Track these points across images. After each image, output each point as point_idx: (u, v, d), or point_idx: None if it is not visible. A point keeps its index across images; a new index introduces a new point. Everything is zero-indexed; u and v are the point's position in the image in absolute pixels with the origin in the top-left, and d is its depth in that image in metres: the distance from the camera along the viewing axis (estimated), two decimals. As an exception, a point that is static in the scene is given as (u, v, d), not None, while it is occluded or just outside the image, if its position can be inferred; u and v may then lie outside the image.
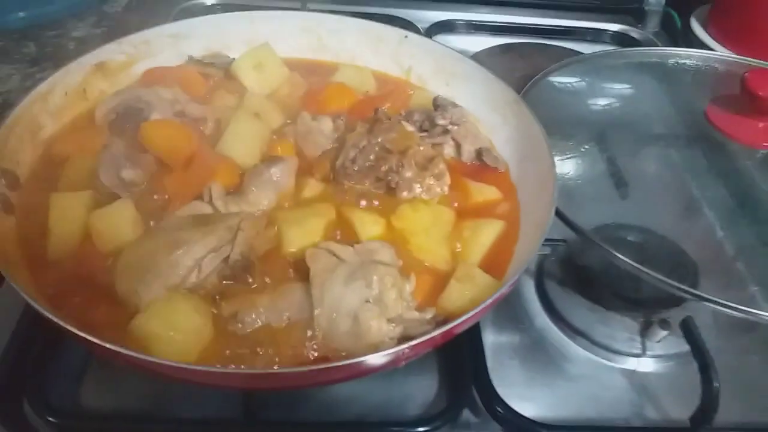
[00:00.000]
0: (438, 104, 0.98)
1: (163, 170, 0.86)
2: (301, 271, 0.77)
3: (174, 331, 0.67)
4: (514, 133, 0.97)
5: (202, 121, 0.94)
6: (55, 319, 0.64)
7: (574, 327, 0.95)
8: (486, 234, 0.83)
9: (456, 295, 0.75)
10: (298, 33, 1.12)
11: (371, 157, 0.87)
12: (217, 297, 0.72)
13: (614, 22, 1.66)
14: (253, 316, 0.71)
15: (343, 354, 0.70)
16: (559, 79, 1.30)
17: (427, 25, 1.56)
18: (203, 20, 1.09)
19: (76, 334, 0.64)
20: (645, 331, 0.93)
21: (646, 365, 0.92)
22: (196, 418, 0.80)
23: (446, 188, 0.88)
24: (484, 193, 0.90)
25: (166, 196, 0.82)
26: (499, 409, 0.80)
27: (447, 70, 1.07)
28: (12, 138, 0.84)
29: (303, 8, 1.45)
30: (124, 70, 1.03)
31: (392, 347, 0.69)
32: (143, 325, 0.67)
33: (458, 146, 0.95)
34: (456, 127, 0.94)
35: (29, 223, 0.80)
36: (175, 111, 0.93)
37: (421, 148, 0.89)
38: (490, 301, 0.67)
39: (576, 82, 1.30)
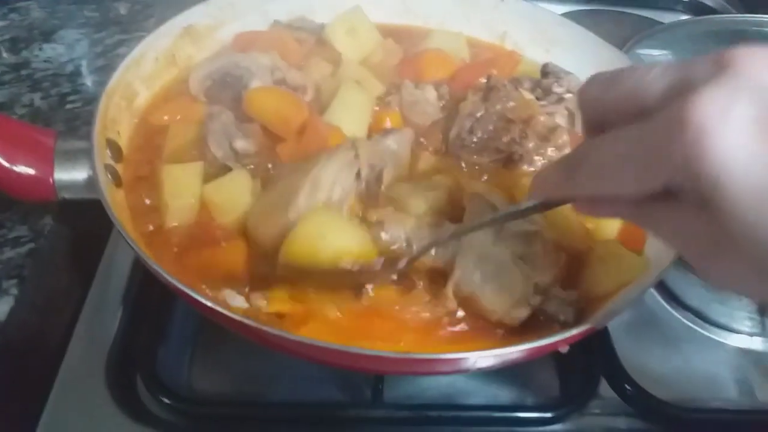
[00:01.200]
0: (548, 71, 0.93)
1: (272, 140, 0.81)
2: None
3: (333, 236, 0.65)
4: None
5: (302, 89, 0.89)
6: (203, 300, 0.59)
7: (687, 305, 0.92)
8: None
9: (601, 276, 0.71)
10: (385, -5, 1.07)
11: (490, 127, 0.82)
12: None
13: (684, -12, 1.59)
14: (400, 231, 0.68)
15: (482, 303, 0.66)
16: (644, 51, 1.25)
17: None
18: (289, -19, 1.03)
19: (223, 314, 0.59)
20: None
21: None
22: (320, 401, 0.77)
23: None
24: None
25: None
26: (629, 387, 0.77)
27: (547, 36, 1.02)
28: (111, 107, 0.79)
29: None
30: (210, 34, 0.97)
31: (527, 312, 0.66)
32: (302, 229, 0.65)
33: (571, 115, 0.90)
34: (571, 95, 0.89)
35: (138, 196, 0.76)
36: (275, 78, 0.87)
37: (542, 118, 0.84)
38: (652, 282, 0.63)
39: (661, 53, 1.25)
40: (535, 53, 1.03)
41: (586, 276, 0.72)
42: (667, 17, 1.53)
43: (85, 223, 0.81)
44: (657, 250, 0.75)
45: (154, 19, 1.18)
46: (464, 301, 0.68)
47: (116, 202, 0.73)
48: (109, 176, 0.74)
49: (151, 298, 0.79)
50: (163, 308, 0.80)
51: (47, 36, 1.11)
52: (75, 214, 0.82)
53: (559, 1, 1.54)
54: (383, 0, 1.06)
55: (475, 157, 0.82)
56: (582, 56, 0.98)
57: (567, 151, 0.84)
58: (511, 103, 0.83)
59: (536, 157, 0.82)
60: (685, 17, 1.55)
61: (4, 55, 1.06)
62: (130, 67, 0.84)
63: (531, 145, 0.81)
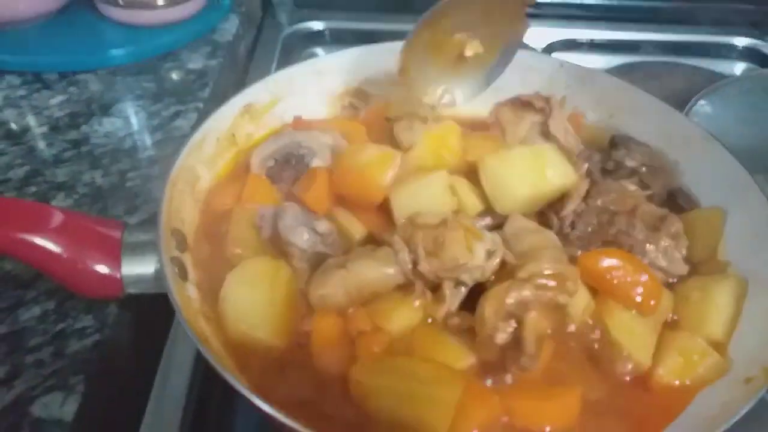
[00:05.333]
0: (618, 142, 0.89)
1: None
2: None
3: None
4: (704, 175, 0.88)
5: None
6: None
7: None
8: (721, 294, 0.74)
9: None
10: (441, 64, 1.05)
11: (593, 221, 0.78)
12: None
13: (737, 35, 1.55)
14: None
15: None
16: (706, 105, 1.21)
17: (542, 46, 1.48)
18: (345, 55, 1.02)
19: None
20: None
21: None
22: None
23: (685, 251, 0.78)
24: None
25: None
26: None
27: (610, 102, 0.99)
28: (175, 194, 0.78)
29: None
30: (268, 110, 0.96)
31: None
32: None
33: (646, 188, 0.86)
34: (645, 169, 0.86)
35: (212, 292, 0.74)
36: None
37: (647, 207, 0.79)
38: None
39: (724, 107, 1.21)
40: (598, 118, 1.00)
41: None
42: (721, 66, 1.50)
43: (149, 308, 0.80)
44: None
45: (209, 88, 1.19)
46: None
47: (183, 295, 0.71)
48: (176, 269, 0.72)
49: (214, 390, 0.77)
50: (225, 401, 0.78)
51: (105, 109, 1.12)
52: (138, 300, 0.81)
53: (608, 53, 1.52)
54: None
55: (579, 252, 0.76)
56: (648, 124, 0.94)
57: (684, 240, 0.78)
58: (613, 195, 0.79)
59: (649, 247, 0.76)
60: (740, 65, 1.52)
61: (65, 130, 1.07)
62: (192, 151, 0.83)
63: (641, 236, 0.76)
